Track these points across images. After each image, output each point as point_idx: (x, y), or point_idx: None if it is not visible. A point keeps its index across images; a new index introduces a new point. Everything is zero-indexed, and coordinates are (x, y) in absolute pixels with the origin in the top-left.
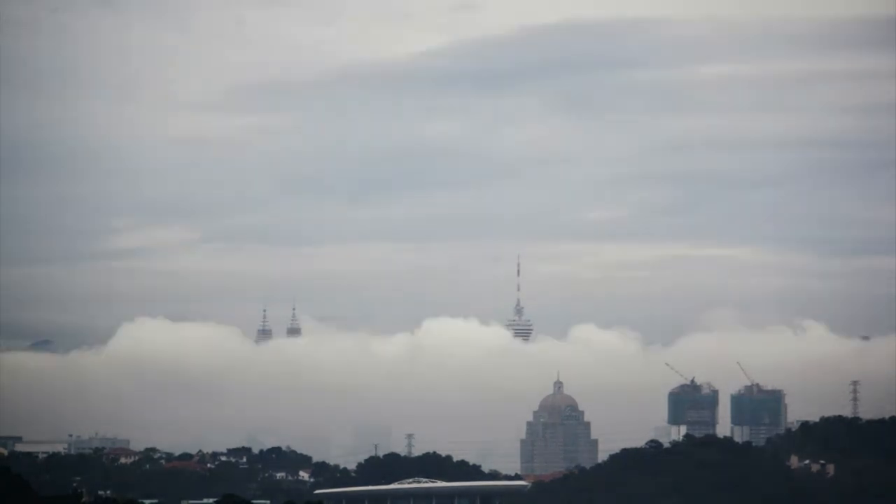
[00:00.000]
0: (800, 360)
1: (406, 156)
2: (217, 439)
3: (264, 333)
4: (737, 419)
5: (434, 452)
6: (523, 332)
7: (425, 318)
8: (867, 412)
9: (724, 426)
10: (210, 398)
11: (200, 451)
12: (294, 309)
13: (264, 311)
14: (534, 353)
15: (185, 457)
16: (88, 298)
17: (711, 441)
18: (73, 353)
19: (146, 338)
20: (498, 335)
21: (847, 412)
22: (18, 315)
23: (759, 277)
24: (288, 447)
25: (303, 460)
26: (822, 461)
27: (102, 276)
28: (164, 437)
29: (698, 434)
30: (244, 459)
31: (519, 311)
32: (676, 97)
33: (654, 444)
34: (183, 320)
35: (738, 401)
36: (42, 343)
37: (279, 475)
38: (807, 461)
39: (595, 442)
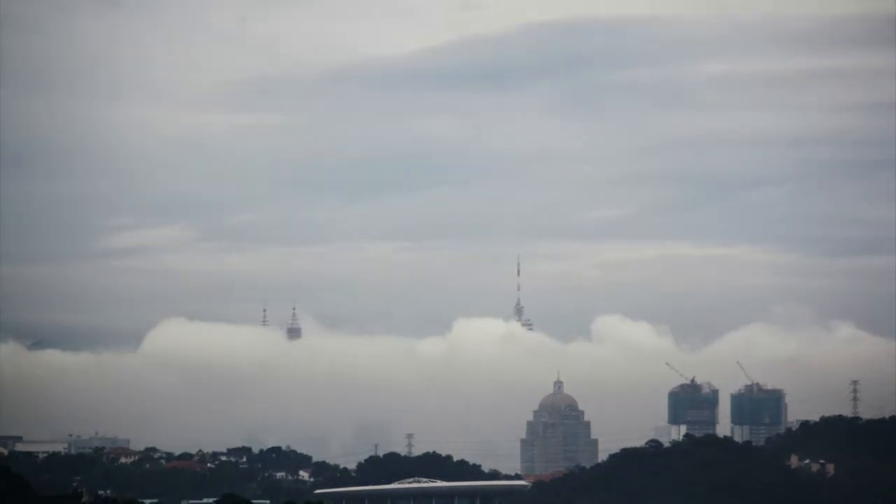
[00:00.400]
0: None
1: (405, 154)
2: (217, 439)
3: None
4: (737, 419)
5: (434, 452)
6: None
7: (427, 318)
8: (867, 412)
9: (724, 426)
10: (255, 398)
11: (200, 451)
12: (294, 309)
13: (264, 310)
14: (575, 354)
15: (185, 457)
16: (88, 298)
17: (711, 441)
18: (107, 353)
19: (178, 338)
20: (536, 337)
21: (847, 412)
22: (16, 314)
23: (763, 277)
24: (288, 447)
25: (303, 460)
26: (822, 461)
27: (101, 275)
28: (164, 437)
29: (698, 434)
30: (244, 459)
31: (519, 310)
32: (678, 95)
33: (654, 444)
34: (196, 319)
35: (738, 401)
36: (42, 342)
37: (279, 475)
38: (807, 461)
39: (595, 442)
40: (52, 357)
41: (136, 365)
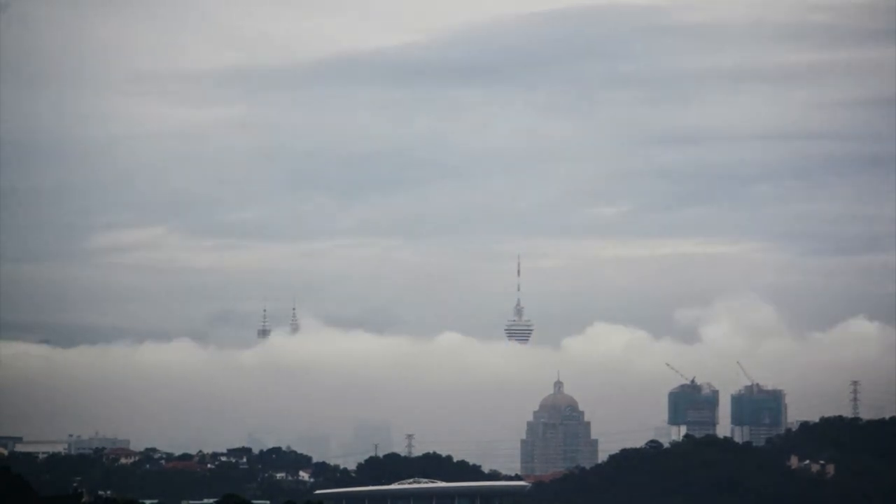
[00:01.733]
0: None
1: (404, 151)
2: (217, 439)
3: (264, 333)
4: (737, 419)
5: (434, 452)
6: (522, 334)
7: (427, 317)
8: (867, 412)
9: (724, 426)
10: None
11: (200, 451)
12: (294, 308)
13: (264, 310)
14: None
15: (185, 457)
16: (83, 297)
17: (711, 441)
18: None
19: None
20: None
21: (847, 412)
22: (14, 314)
23: (763, 275)
24: (288, 447)
25: (303, 460)
26: (822, 461)
27: (95, 274)
28: (164, 437)
29: (698, 434)
30: (244, 459)
31: (519, 311)
32: (677, 91)
33: (654, 444)
34: None
35: (738, 401)
36: (42, 341)
37: (279, 475)
38: (807, 461)
39: (595, 442)
40: (52, 354)
41: (134, 362)
